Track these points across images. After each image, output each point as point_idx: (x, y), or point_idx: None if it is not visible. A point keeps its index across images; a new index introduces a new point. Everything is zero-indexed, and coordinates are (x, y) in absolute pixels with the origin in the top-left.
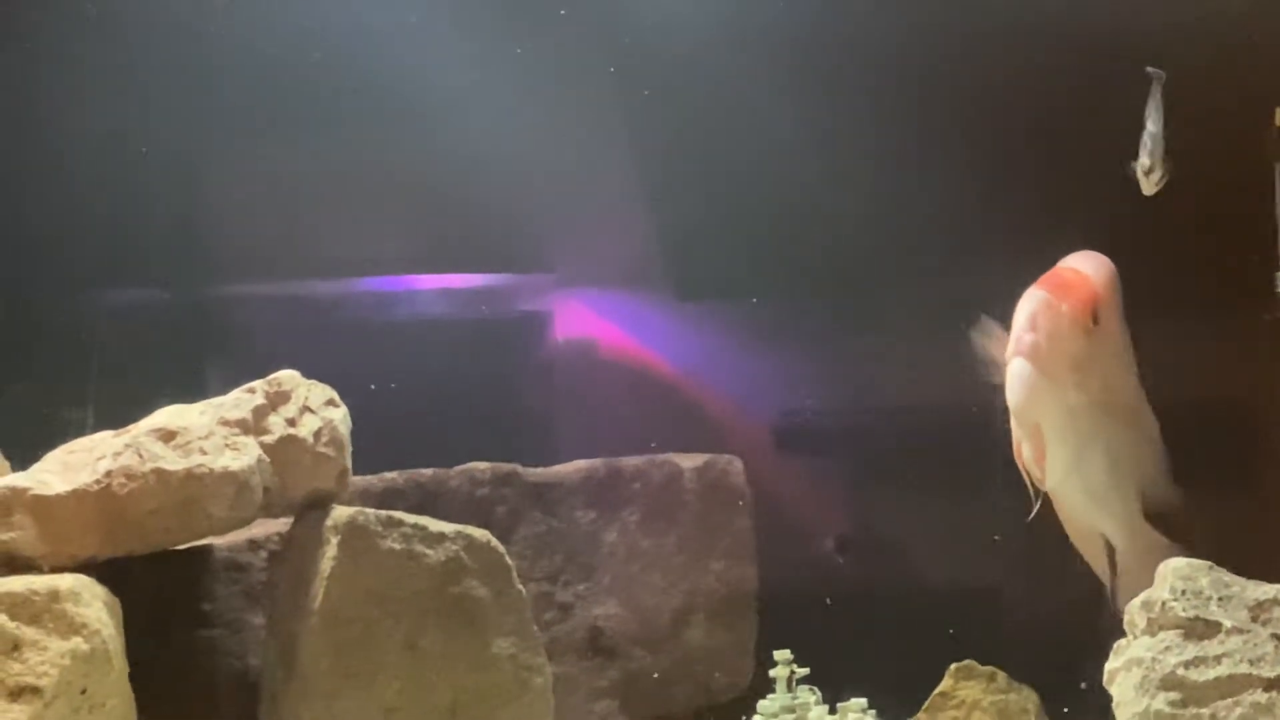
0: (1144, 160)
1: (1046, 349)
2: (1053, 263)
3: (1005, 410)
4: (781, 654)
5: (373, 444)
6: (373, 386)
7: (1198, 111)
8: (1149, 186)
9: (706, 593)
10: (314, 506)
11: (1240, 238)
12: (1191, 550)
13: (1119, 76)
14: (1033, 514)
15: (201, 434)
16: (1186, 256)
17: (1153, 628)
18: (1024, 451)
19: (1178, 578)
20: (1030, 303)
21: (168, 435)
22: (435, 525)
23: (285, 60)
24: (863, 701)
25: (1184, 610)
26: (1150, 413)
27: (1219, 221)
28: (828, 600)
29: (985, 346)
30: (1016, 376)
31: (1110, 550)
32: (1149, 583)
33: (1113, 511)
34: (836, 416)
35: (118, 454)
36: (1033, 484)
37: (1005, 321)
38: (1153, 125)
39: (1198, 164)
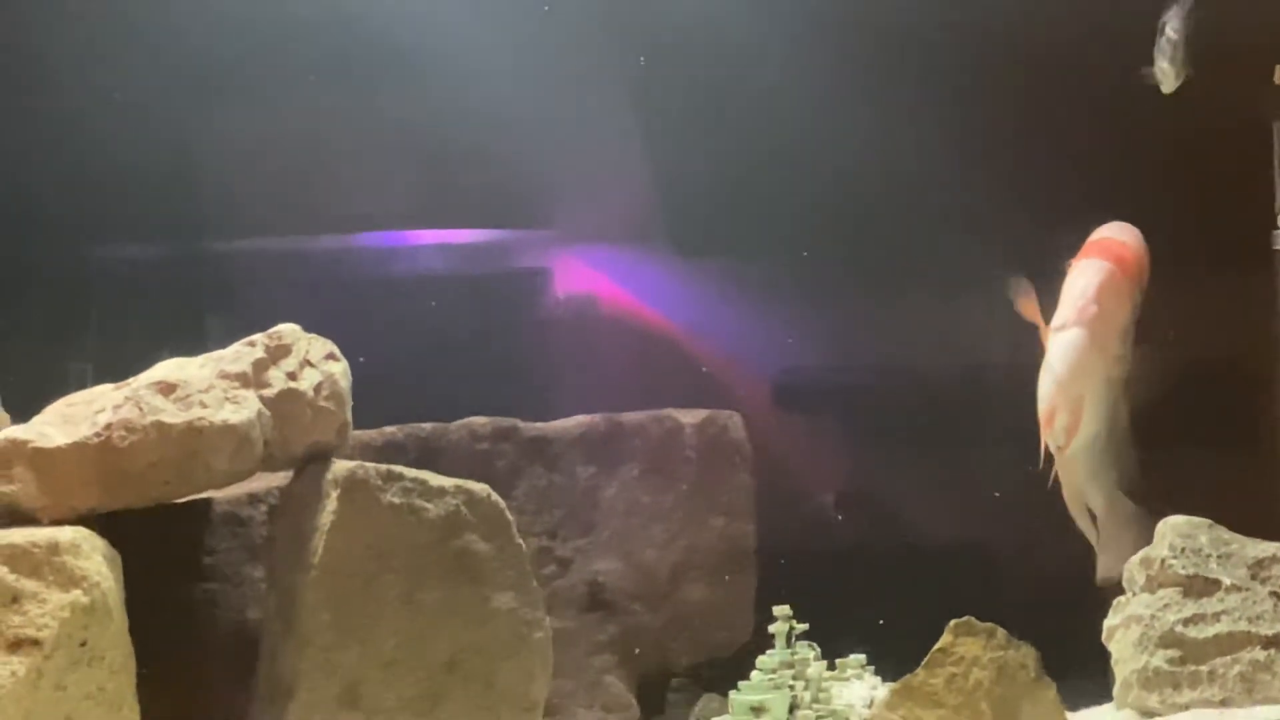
0: (1163, 65)
1: (1107, 321)
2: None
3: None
4: (781, 609)
5: (373, 398)
6: (370, 342)
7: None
8: (1169, 85)
9: (706, 548)
10: (314, 460)
11: (1239, 195)
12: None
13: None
14: (1050, 482)
15: (201, 387)
16: (1186, 215)
17: (1152, 585)
18: (1057, 420)
19: (1177, 535)
20: (1096, 274)
21: (168, 388)
22: (435, 480)
23: (287, 12)
24: (861, 657)
25: (1183, 568)
26: None
27: (1218, 179)
28: (827, 556)
29: (1021, 306)
30: (1071, 346)
31: (1093, 519)
32: (1127, 552)
33: (1101, 481)
34: (837, 373)
35: (118, 406)
36: (1054, 452)
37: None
38: (1173, 33)
39: (1198, 122)
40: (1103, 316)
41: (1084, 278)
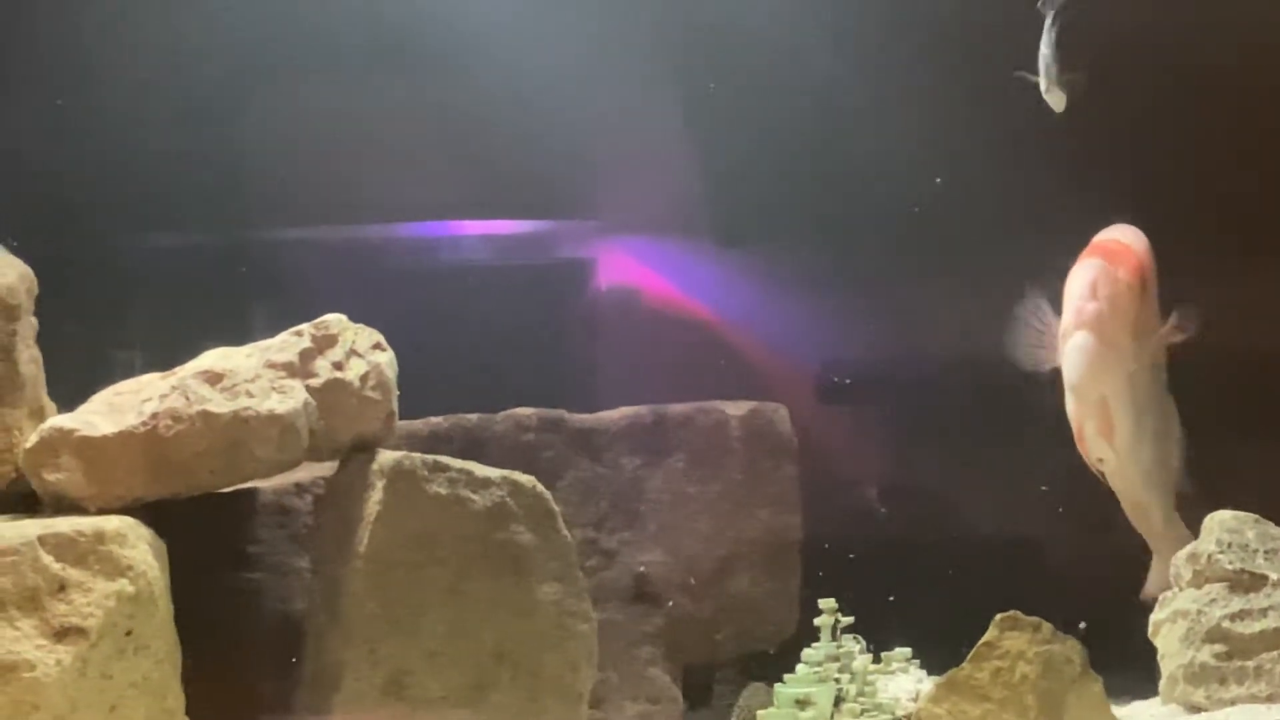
0: (1041, 82)
1: (1109, 316)
2: (1098, 225)
3: (1054, 390)
4: (827, 603)
5: (419, 388)
6: (416, 332)
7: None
8: (1056, 104)
9: (751, 541)
10: (360, 450)
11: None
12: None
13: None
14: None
15: (248, 376)
16: (1218, 208)
17: (1198, 580)
18: (1087, 431)
19: (1224, 530)
20: (1089, 271)
21: (214, 378)
22: (481, 470)
23: (324, 3)
24: (907, 651)
25: (1230, 563)
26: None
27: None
28: (872, 549)
29: (1035, 326)
30: (1080, 349)
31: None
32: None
33: (1155, 488)
34: (884, 365)
35: (164, 396)
36: (1096, 465)
37: (1052, 298)
38: (1045, 48)
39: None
40: (1103, 312)
41: (1077, 280)
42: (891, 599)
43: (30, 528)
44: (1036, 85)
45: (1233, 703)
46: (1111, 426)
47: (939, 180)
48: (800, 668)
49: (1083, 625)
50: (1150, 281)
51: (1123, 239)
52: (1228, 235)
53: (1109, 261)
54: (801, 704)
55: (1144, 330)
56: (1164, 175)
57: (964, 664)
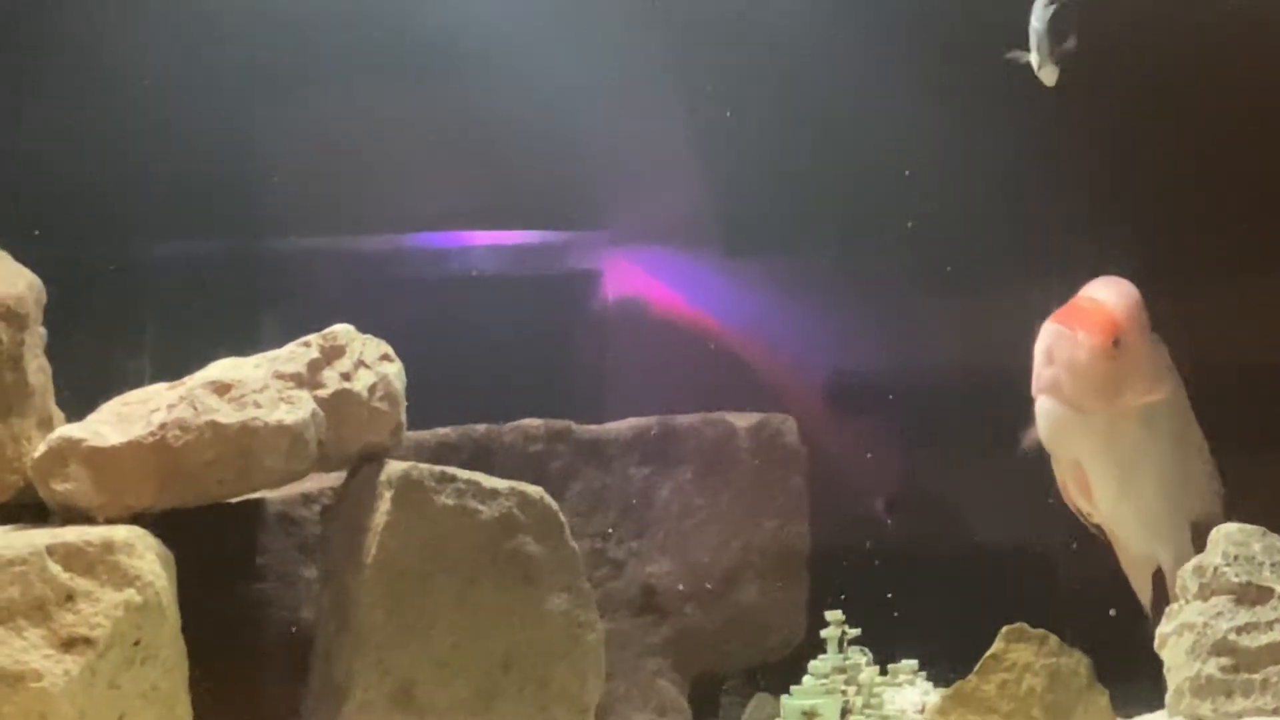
0: (1033, 58)
1: (1068, 380)
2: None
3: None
4: (833, 614)
5: (427, 400)
6: (423, 343)
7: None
8: (1049, 79)
9: (759, 551)
10: (368, 461)
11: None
12: None
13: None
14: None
15: (256, 387)
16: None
17: (1205, 593)
18: (1070, 488)
19: (1230, 543)
20: (1044, 337)
21: (222, 388)
22: (489, 481)
23: (341, 11)
24: (913, 663)
25: (1236, 575)
26: (1197, 428)
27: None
28: (880, 561)
29: None
30: (1044, 415)
31: (1161, 576)
32: None
33: (1164, 536)
34: (892, 376)
35: (172, 406)
36: (1085, 519)
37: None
38: (1037, 21)
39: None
40: (1060, 378)
41: (1037, 345)
42: (898, 611)
43: (38, 537)
44: (1029, 64)
45: (1239, 716)
46: (1088, 486)
47: (908, 174)
48: (807, 679)
49: (1112, 612)
50: (1132, 334)
51: (1098, 295)
52: (1245, 239)
53: (1071, 324)
54: (808, 716)
55: (1121, 387)
56: (1173, 172)
57: (970, 676)
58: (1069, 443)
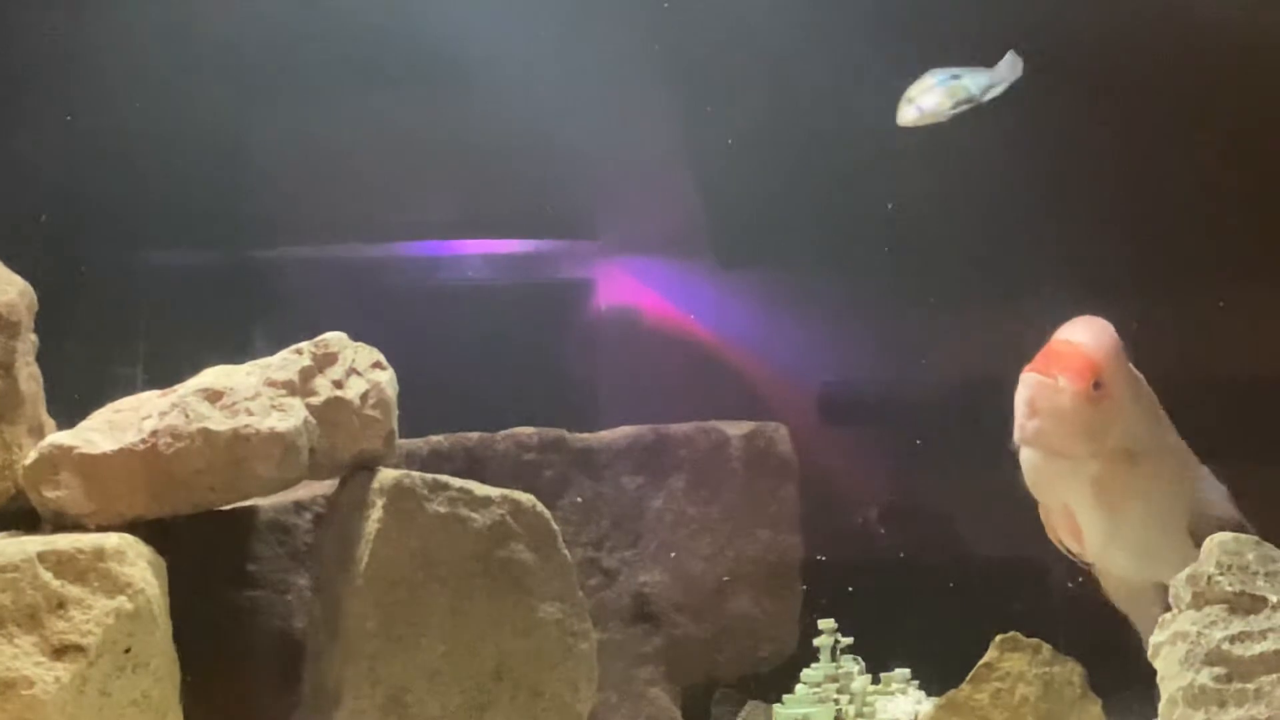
0: (944, 100)
1: (1052, 429)
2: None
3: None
4: (826, 623)
5: (419, 407)
6: (416, 351)
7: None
8: (906, 117)
9: (752, 561)
10: (360, 468)
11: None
12: None
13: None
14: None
15: (248, 394)
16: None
17: (1198, 602)
18: (1059, 531)
19: (1224, 552)
20: (1025, 388)
21: (214, 395)
22: (481, 489)
23: (332, 22)
24: (906, 672)
25: (1229, 585)
26: (1190, 453)
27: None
28: (872, 570)
29: None
30: (1029, 465)
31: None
32: None
33: (1168, 563)
34: (884, 386)
35: (164, 413)
36: (1075, 558)
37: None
38: (974, 87)
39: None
40: (1044, 428)
41: (1018, 396)
42: (890, 620)
43: (30, 545)
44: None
45: None
46: (1078, 530)
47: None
48: (799, 688)
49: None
50: (1111, 373)
51: (1073, 338)
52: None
53: (1050, 371)
54: None
55: (1107, 428)
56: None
57: (963, 685)
58: (1056, 490)
